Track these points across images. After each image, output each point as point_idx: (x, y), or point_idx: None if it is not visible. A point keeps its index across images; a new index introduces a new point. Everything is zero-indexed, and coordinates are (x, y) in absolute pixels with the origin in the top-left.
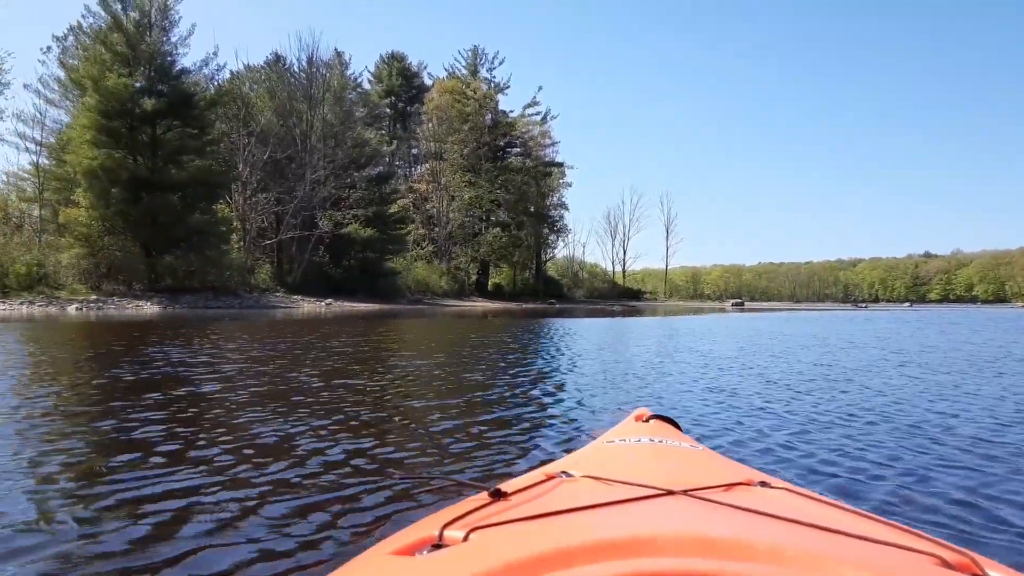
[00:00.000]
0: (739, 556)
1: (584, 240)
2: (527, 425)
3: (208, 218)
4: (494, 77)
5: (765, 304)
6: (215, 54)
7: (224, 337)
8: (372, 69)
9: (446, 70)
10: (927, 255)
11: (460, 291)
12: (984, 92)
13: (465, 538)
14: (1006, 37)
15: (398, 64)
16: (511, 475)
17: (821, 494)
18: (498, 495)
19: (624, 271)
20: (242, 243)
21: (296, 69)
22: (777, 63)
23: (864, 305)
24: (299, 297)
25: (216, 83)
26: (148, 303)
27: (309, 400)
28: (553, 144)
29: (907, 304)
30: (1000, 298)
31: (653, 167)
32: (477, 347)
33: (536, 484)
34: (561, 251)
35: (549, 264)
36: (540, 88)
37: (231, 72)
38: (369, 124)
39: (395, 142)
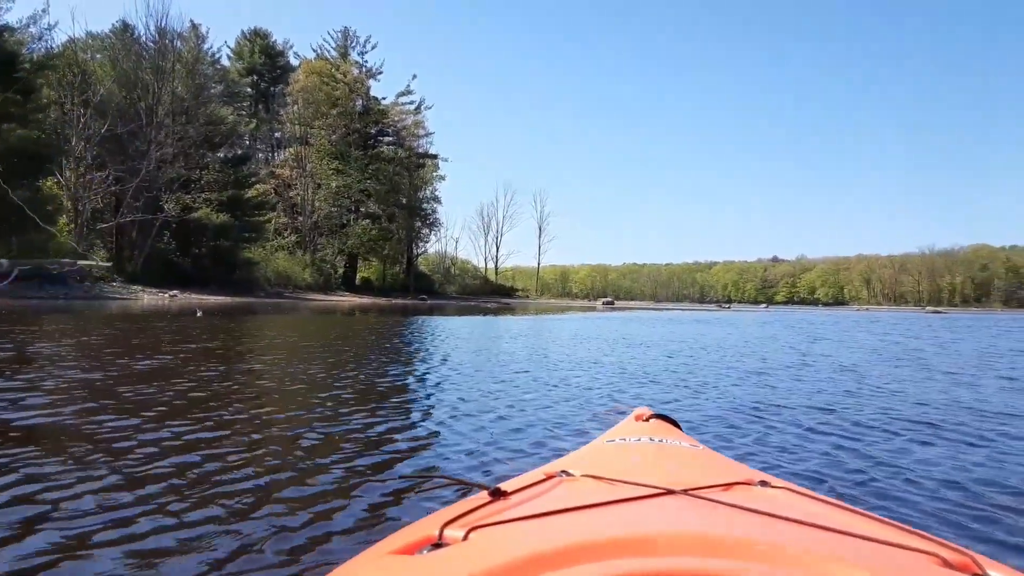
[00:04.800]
0: (739, 555)
1: (457, 236)
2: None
3: (31, 195)
4: (366, 62)
5: (631, 303)
6: (45, 11)
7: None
8: (232, 45)
9: (314, 51)
10: (775, 260)
11: (326, 285)
12: (825, 112)
13: (465, 537)
14: (846, 52)
15: (261, 41)
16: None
17: (821, 494)
18: (498, 494)
19: (496, 268)
20: (73, 226)
21: (144, 38)
22: (649, 63)
23: (727, 306)
24: (139, 288)
25: (46, 45)
26: None
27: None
28: (427, 135)
29: (763, 306)
30: (839, 301)
31: (527, 165)
32: (347, 349)
33: (536, 483)
34: (433, 246)
35: (420, 259)
36: (414, 76)
37: (68, 37)
38: (226, 102)
39: (255, 123)
